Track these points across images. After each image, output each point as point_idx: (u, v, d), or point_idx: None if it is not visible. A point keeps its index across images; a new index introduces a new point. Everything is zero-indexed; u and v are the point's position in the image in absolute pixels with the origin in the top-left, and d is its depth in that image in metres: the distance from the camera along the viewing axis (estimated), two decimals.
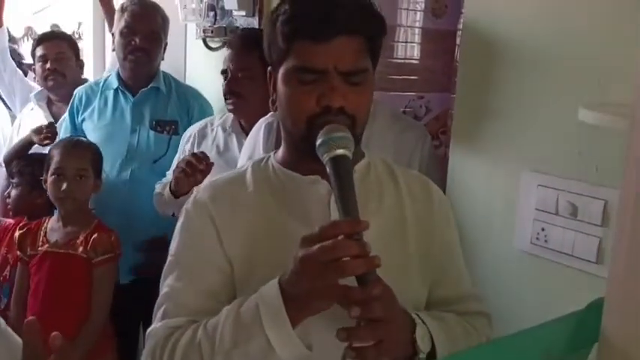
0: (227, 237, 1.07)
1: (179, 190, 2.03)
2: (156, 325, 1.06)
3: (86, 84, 2.68)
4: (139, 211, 2.35)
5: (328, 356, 0.96)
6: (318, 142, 0.97)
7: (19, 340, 1.03)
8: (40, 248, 2.14)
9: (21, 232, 2.21)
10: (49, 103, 2.91)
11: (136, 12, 2.43)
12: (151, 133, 2.46)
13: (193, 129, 2.26)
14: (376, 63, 1.08)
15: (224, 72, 2.09)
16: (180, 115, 2.48)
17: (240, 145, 2.08)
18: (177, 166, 2.01)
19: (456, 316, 1.12)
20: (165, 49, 2.56)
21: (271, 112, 1.91)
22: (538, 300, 1.48)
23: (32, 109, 2.92)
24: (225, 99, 2.08)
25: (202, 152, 2.01)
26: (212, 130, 2.20)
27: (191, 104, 2.52)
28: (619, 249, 0.81)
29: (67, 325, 1.97)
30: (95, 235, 2.10)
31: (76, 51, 2.97)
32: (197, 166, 1.92)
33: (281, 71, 1.05)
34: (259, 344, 0.92)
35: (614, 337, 0.81)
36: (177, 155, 2.27)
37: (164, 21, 2.52)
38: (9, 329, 1.15)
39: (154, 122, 2.46)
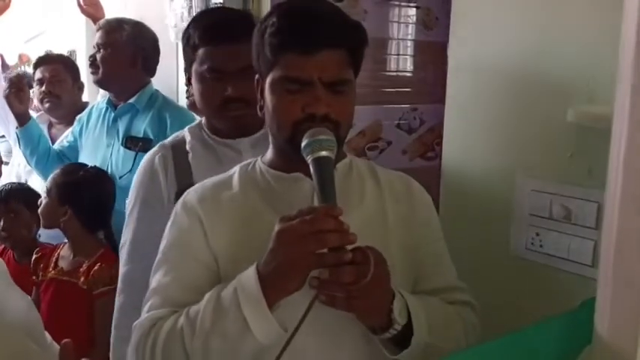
0: (213, 234, 1.12)
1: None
2: (141, 318, 1.10)
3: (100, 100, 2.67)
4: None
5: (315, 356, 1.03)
6: (304, 143, 1.03)
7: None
8: (48, 274, 2.13)
9: (36, 255, 2.20)
10: (50, 126, 2.91)
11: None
12: (122, 149, 2.43)
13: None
14: (358, 73, 1.13)
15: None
16: (157, 133, 2.39)
17: None
18: None
19: (440, 300, 1.15)
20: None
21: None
22: (535, 305, 1.47)
23: None
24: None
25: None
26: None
27: (170, 123, 2.41)
28: (607, 250, 0.81)
29: None
30: (97, 267, 2.05)
31: (73, 73, 2.94)
32: None
33: (268, 80, 1.10)
34: (236, 324, 0.96)
35: (608, 338, 0.81)
36: None
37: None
38: (55, 344, 1.18)
39: (125, 138, 2.44)
